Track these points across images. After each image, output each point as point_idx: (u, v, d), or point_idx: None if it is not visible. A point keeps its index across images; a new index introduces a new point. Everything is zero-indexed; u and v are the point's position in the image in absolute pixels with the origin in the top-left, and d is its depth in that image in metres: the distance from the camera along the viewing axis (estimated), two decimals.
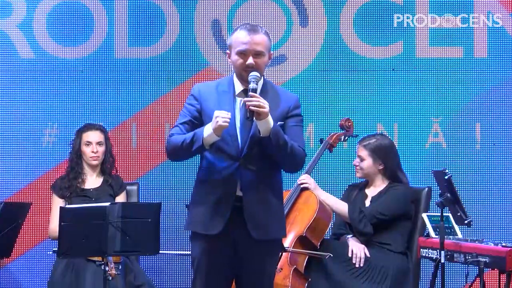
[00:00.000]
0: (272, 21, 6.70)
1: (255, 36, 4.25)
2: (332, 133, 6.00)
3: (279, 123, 4.25)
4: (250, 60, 4.24)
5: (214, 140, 4.20)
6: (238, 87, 4.33)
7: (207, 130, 4.18)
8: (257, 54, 4.26)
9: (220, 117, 4.13)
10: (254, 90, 4.19)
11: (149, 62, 6.69)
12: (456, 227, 5.34)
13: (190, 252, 4.41)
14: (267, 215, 4.27)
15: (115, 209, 4.87)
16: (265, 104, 4.14)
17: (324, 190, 5.76)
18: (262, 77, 4.35)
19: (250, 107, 4.12)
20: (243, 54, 4.25)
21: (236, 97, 4.32)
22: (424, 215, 5.47)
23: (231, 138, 4.24)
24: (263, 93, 4.28)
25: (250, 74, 4.23)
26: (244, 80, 4.29)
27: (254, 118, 4.15)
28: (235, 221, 4.23)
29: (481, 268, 4.94)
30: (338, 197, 5.79)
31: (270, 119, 4.16)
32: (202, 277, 4.31)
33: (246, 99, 4.16)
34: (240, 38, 4.26)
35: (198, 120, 4.32)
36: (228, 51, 4.35)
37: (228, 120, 4.15)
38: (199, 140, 4.19)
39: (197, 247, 4.33)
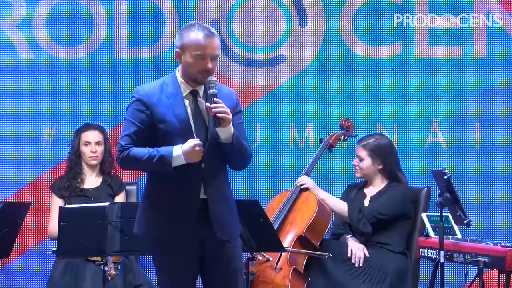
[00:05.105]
0: (272, 21, 6.70)
1: (214, 39, 4.17)
2: (331, 133, 6.01)
3: None
4: (210, 65, 4.15)
5: (181, 163, 4.13)
6: (185, 88, 4.23)
7: (177, 157, 4.11)
8: (214, 58, 4.19)
9: (199, 146, 4.09)
10: (215, 95, 4.13)
11: (149, 62, 6.69)
12: (455, 227, 5.34)
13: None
14: (228, 214, 4.24)
15: (114, 209, 4.87)
16: (228, 110, 4.10)
17: (323, 190, 5.76)
18: None
19: (217, 114, 4.08)
20: (202, 57, 4.15)
21: (184, 99, 4.22)
22: (424, 215, 5.47)
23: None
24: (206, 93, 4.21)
25: (209, 79, 4.15)
26: (193, 81, 4.20)
27: (220, 125, 4.09)
28: (200, 223, 4.17)
29: (481, 268, 4.94)
30: (338, 197, 5.79)
31: (231, 125, 4.13)
32: (169, 282, 4.22)
33: (212, 105, 4.09)
34: (198, 40, 4.15)
35: (148, 126, 4.19)
36: (178, 50, 4.20)
37: (202, 151, 4.12)
38: (169, 166, 4.10)
39: (161, 252, 4.22)
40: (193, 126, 4.19)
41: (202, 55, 4.15)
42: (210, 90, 4.14)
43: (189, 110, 4.21)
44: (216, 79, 4.17)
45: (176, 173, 4.14)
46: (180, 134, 4.16)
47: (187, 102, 4.22)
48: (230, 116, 4.11)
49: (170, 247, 4.19)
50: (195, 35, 4.16)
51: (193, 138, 4.15)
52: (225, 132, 4.13)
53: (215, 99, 4.11)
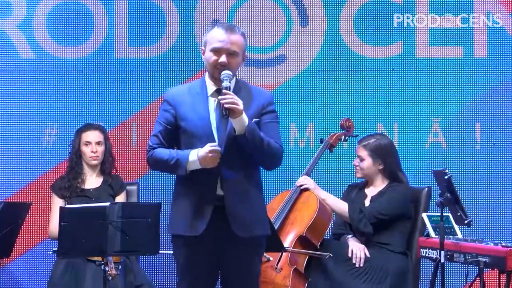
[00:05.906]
0: (272, 21, 6.70)
1: (232, 35, 4.25)
2: (332, 133, 6.01)
3: (254, 120, 4.24)
4: (223, 59, 4.23)
5: (197, 168, 4.20)
6: (211, 87, 4.32)
7: (193, 161, 4.19)
8: (231, 54, 4.25)
9: (213, 152, 4.14)
10: (228, 88, 4.18)
11: (149, 62, 6.69)
12: (456, 227, 5.34)
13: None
14: (249, 213, 4.27)
15: (115, 209, 4.86)
16: (238, 102, 4.14)
17: (324, 190, 5.76)
18: (235, 77, 4.35)
19: (224, 105, 4.12)
20: (217, 51, 4.24)
21: (209, 97, 4.31)
22: (424, 215, 5.47)
23: (208, 138, 4.22)
24: (236, 92, 4.26)
25: (223, 73, 4.21)
26: (216, 79, 4.28)
27: (229, 116, 4.15)
28: (217, 220, 4.21)
29: (481, 268, 4.94)
30: (338, 197, 5.78)
31: (244, 117, 4.17)
32: (187, 279, 4.30)
33: (220, 97, 4.16)
34: (216, 36, 4.25)
35: (173, 125, 4.31)
36: (203, 48, 4.33)
37: (219, 157, 4.16)
38: (182, 170, 4.20)
39: (180, 249, 4.31)
40: (214, 123, 4.23)
41: (217, 48, 4.24)
42: (223, 83, 4.20)
43: (211, 108, 4.27)
44: (230, 73, 4.22)
45: (196, 170, 4.20)
46: (200, 132, 4.23)
47: (211, 100, 4.29)
48: (240, 107, 4.13)
49: (187, 243, 4.26)
50: (214, 31, 4.29)
51: (212, 134, 4.21)
52: (239, 124, 4.16)
53: (224, 90, 4.16)
